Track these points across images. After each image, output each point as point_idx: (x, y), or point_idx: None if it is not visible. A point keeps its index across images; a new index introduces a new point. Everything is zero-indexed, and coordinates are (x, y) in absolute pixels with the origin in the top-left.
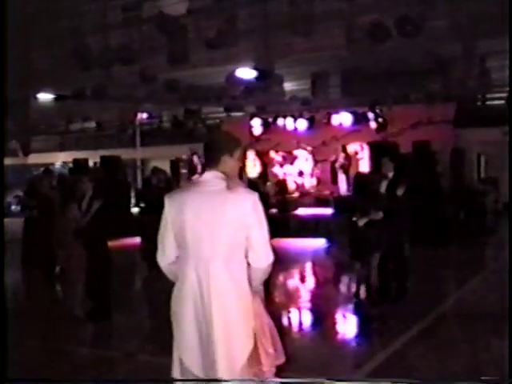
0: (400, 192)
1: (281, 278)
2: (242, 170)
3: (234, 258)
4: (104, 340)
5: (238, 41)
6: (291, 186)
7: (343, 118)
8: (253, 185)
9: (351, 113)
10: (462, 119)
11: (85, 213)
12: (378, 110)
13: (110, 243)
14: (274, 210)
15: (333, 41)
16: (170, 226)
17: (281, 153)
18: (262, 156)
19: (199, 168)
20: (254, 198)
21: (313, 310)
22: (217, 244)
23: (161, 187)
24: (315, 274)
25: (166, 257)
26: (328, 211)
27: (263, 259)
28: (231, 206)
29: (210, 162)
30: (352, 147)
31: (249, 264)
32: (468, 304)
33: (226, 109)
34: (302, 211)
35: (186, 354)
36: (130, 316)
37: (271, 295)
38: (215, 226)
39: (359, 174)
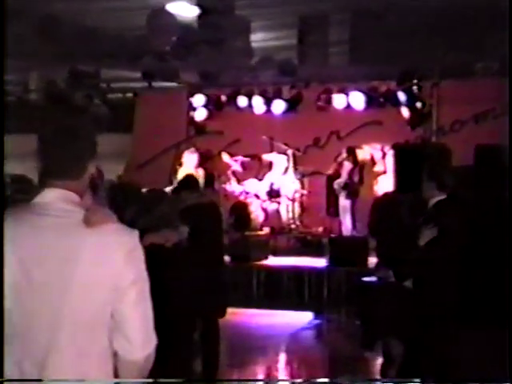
0: (424, 240)
1: (235, 375)
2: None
3: (92, 345)
4: None
5: None
6: (257, 215)
7: (352, 100)
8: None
9: (366, 92)
10: None
11: None
12: (414, 88)
13: None
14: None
15: None
16: None
17: (240, 157)
18: (208, 160)
19: (95, 175)
20: (131, 241)
21: None
22: (63, 322)
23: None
24: (293, 370)
25: None
26: (319, 263)
27: (139, 346)
28: (90, 256)
29: (63, 172)
30: (366, 152)
31: (116, 353)
32: None
33: (145, 74)
34: (274, 261)
35: None
36: None
37: None
38: (61, 290)
39: (383, 199)
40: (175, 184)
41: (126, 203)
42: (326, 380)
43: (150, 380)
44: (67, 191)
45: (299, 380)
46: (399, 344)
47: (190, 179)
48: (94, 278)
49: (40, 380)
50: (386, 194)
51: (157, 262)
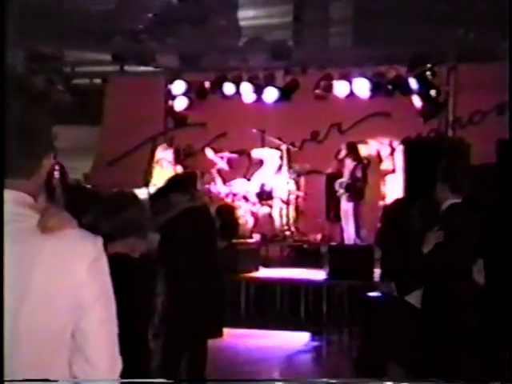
0: (428, 246)
1: None
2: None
3: (49, 369)
4: None
5: None
6: (246, 220)
7: (356, 88)
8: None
9: (372, 78)
10: None
11: None
12: (427, 74)
13: None
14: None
15: None
16: None
17: (226, 153)
18: (188, 157)
19: (56, 174)
20: (95, 249)
21: None
22: (17, 343)
23: None
24: None
25: None
26: (318, 275)
27: (103, 372)
28: (47, 267)
29: (13, 171)
30: (371, 147)
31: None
32: None
33: (115, 57)
34: (266, 273)
35: None
36: None
37: None
38: (15, 307)
39: (394, 207)
40: (162, 185)
41: (84, 206)
42: (323, 380)
43: (153, 380)
44: (19, 192)
45: (295, 380)
46: (402, 371)
47: (180, 179)
48: (53, 292)
49: (40, 380)
50: (397, 201)
51: (131, 274)
